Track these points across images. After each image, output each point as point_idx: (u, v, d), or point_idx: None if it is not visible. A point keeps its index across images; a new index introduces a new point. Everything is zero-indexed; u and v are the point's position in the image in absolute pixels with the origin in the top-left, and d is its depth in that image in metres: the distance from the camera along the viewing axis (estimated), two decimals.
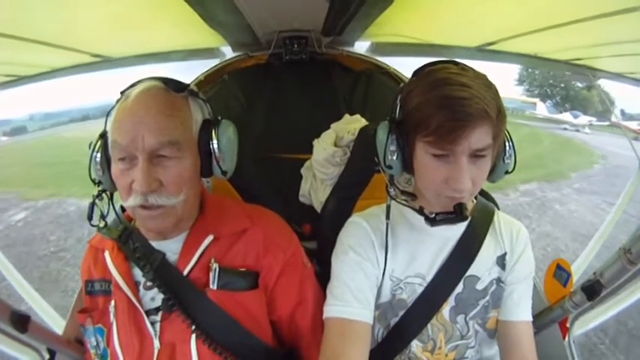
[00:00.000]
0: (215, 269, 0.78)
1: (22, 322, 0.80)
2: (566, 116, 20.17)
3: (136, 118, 0.71)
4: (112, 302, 0.80)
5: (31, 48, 1.31)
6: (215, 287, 0.78)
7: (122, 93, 0.76)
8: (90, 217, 0.79)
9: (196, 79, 1.83)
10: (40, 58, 1.52)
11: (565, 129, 18.66)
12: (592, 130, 18.72)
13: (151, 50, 1.82)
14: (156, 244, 0.81)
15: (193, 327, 0.75)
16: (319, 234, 1.16)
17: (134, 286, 0.80)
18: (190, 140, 0.76)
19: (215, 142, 0.78)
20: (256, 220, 0.86)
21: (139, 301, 0.78)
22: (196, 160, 0.78)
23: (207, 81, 1.84)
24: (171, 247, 0.81)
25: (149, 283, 0.79)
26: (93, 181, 0.78)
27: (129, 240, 0.80)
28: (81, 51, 1.54)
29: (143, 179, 0.70)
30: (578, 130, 18.62)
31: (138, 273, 0.80)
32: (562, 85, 26.65)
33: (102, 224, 0.80)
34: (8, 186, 8.48)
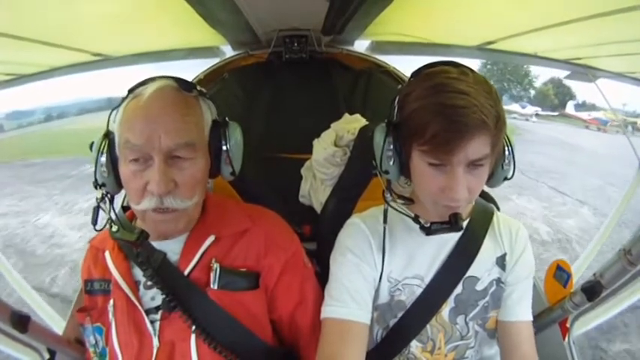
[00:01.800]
0: (216, 269, 0.78)
1: (22, 322, 0.80)
2: (515, 107, 22.68)
3: (152, 118, 0.70)
4: (111, 301, 0.80)
5: (31, 47, 1.31)
6: (216, 287, 0.78)
7: (130, 91, 0.75)
8: (95, 222, 0.78)
9: (196, 77, 1.83)
10: (40, 57, 1.52)
11: (514, 118, 20.74)
12: (539, 119, 21.60)
13: (151, 49, 1.81)
14: (157, 244, 0.80)
15: (193, 327, 0.75)
16: (319, 235, 1.16)
17: (134, 285, 0.79)
18: (203, 141, 0.77)
19: (226, 143, 0.78)
20: (257, 220, 0.86)
21: (139, 300, 0.78)
22: (207, 161, 0.78)
23: (208, 80, 1.84)
24: (172, 247, 0.81)
25: (149, 283, 0.79)
26: (96, 183, 0.76)
27: (144, 242, 0.77)
28: (81, 50, 1.53)
29: (160, 180, 0.69)
30: (527, 119, 20.90)
31: (138, 272, 0.80)
32: (518, 80, 30.12)
33: (115, 229, 0.78)
34: (66, 153, 10.25)
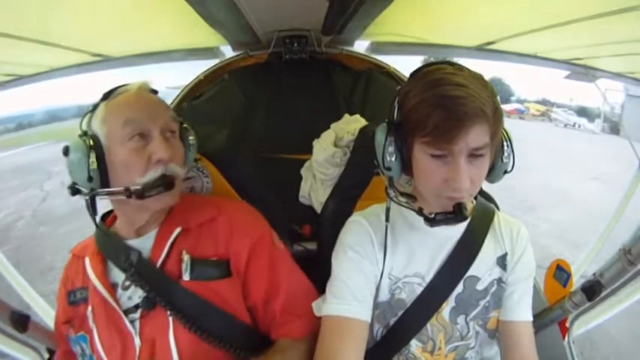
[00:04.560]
0: (187, 261, 0.80)
1: (21, 321, 0.81)
2: None
3: (144, 101, 0.81)
4: (89, 307, 0.81)
5: (30, 47, 1.30)
6: (188, 278, 0.79)
7: (105, 97, 0.81)
8: (96, 221, 0.83)
9: (196, 78, 1.83)
10: (39, 57, 1.51)
11: None
12: None
13: (151, 50, 1.81)
14: (131, 243, 0.83)
15: (171, 318, 0.76)
16: (319, 235, 1.16)
17: (110, 287, 0.81)
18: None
19: (191, 135, 0.90)
20: (223, 208, 0.88)
21: (117, 302, 0.79)
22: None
23: (207, 80, 1.84)
24: (144, 244, 0.83)
25: (127, 283, 0.80)
26: (74, 187, 0.78)
27: (119, 243, 0.84)
28: (80, 50, 1.53)
29: (166, 148, 0.77)
30: None
31: (115, 274, 0.82)
32: None
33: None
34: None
